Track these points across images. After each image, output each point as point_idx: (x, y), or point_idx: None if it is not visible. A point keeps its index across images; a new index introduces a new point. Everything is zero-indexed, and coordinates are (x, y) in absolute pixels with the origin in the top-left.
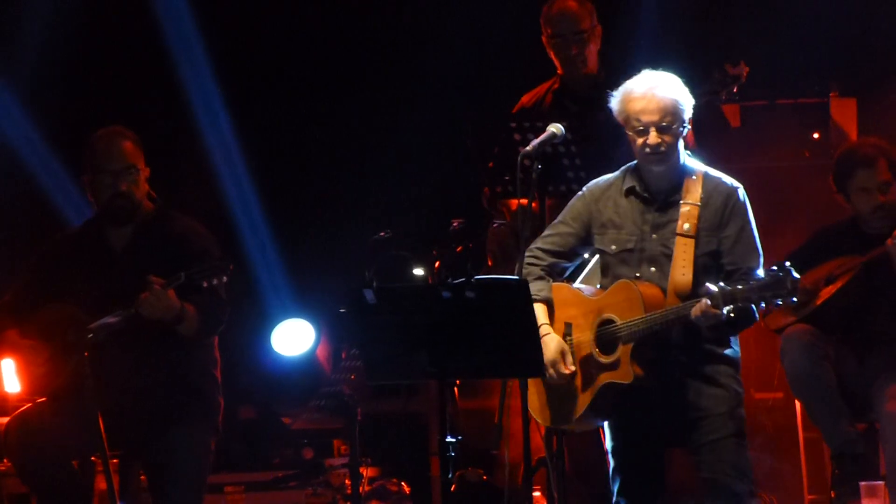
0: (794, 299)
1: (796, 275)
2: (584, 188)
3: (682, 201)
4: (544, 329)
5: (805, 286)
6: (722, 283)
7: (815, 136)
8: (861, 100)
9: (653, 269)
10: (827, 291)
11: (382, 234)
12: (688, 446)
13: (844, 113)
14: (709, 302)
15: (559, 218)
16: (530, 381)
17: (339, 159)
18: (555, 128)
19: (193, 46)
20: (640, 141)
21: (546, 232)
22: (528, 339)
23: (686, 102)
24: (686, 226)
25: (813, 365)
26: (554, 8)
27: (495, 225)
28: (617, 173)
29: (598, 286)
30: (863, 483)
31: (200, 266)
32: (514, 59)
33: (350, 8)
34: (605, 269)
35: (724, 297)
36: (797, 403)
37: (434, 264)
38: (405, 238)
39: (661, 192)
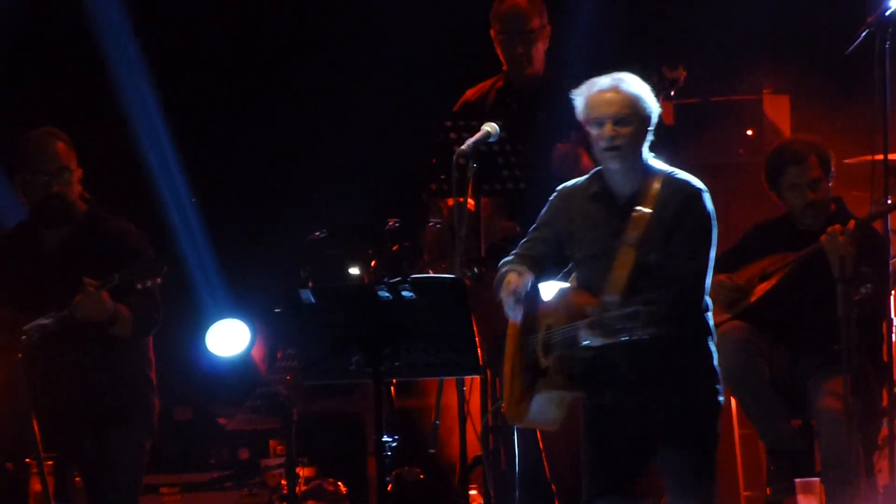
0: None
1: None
2: (556, 191)
3: (636, 207)
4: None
5: (739, 283)
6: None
7: (749, 133)
8: (794, 97)
9: None
10: (761, 288)
11: (318, 233)
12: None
13: (778, 110)
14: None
15: (535, 223)
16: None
17: (274, 158)
18: (490, 127)
19: (126, 44)
20: (597, 134)
21: (524, 239)
22: (463, 339)
23: (650, 104)
24: (633, 234)
25: (747, 362)
26: (504, 4)
27: (431, 223)
28: (587, 175)
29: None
30: (798, 480)
31: (134, 267)
32: (452, 57)
33: (287, 6)
34: (577, 275)
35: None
36: (732, 400)
37: (370, 263)
38: (341, 237)
39: (622, 196)
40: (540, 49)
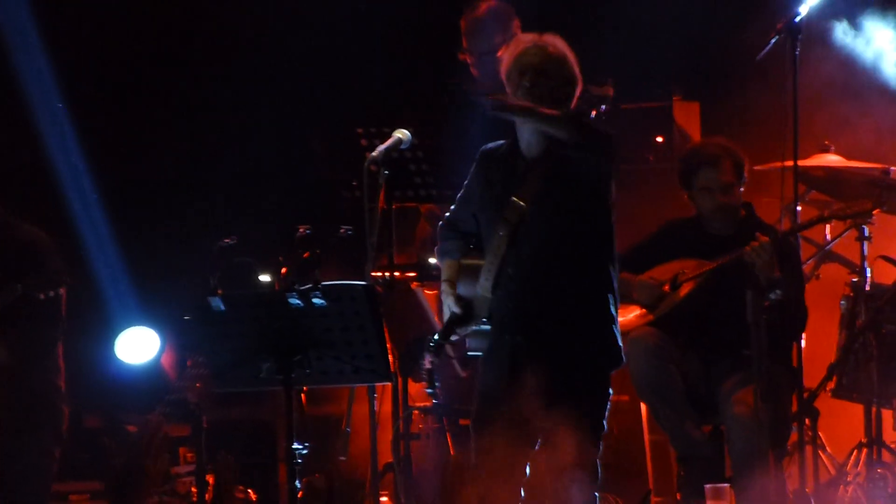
0: None
1: None
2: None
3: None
4: (443, 285)
5: (663, 280)
6: None
7: (659, 139)
8: (704, 103)
9: None
10: (685, 290)
11: (227, 240)
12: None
13: (688, 116)
14: None
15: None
16: None
17: (184, 165)
18: (401, 133)
19: (33, 49)
20: (516, 84)
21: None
22: (374, 346)
23: (574, 72)
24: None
25: (658, 368)
26: (468, 19)
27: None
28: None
29: None
30: (708, 485)
31: (37, 278)
32: (359, 63)
33: (196, 12)
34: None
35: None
36: (643, 406)
37: (280, 270)
38: (251, 244)
39: (527, 157)
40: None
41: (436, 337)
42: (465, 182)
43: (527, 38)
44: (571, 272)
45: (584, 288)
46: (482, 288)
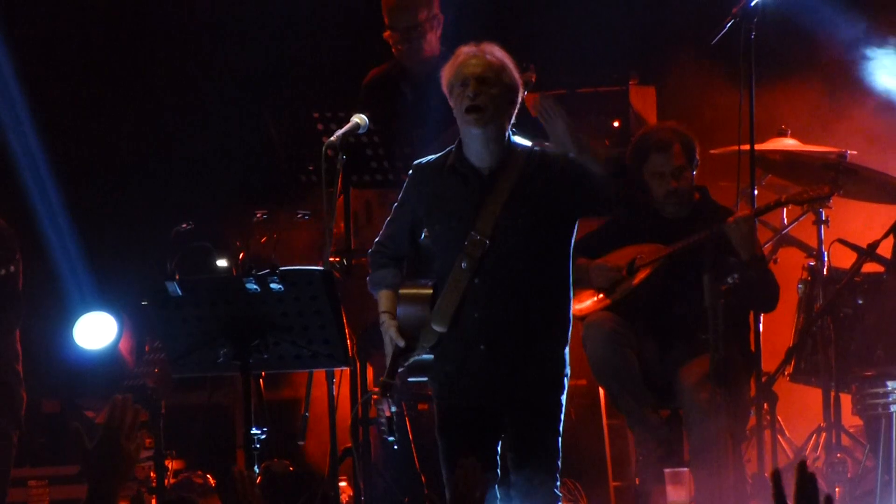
0: None
1: None
2: (410, 168)
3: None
4: (382, 317)
5: (620, 265)
6: None
7: (616, 124)
8: (660, 88)
9: None
10: (643, 273)
11: (185, 225)
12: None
13: (644, 101)
14: None
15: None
16: None
17: (141, 148)
18: (358, 118)
19: None
20: (459, 94)
21: (389, 218)
22: (332, 330)
23: (515, 76)
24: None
25: (616, 352)
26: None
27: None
28: (444, 151)
29: None
30: (667, 469)
31: None
32: (315, 47)
33: None
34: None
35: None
36: (601, 390)
37: (238, 255)
38: (208, 229)
39: (482, 169)
40: (431, 38)
41: (382, 379)
42: (395, 205)
43: (465, 50)
44: (536, 294)
45: (546, 314)
46: (437, 321)
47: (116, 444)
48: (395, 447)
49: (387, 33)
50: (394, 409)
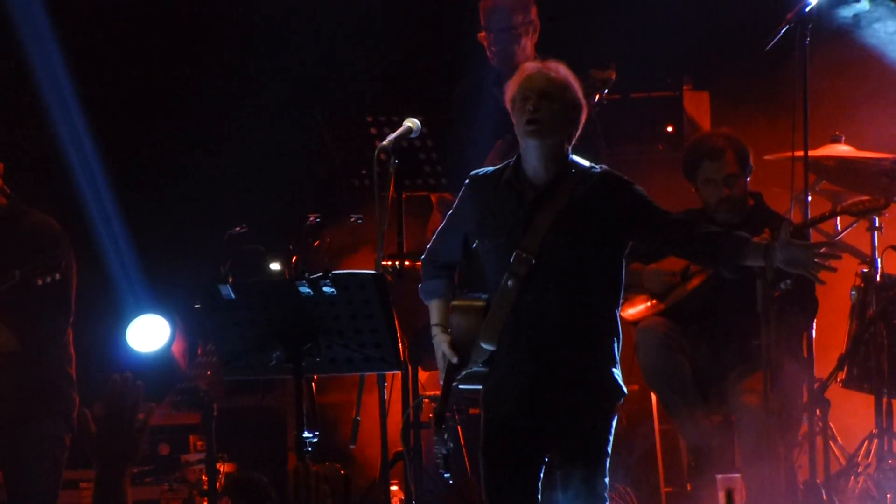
0: None
1: None
2: (468, 178)
3: (549, 198)
4: (434, 330)
5: (674, 269)
6: None
7: (669, 129)
8: (714, 93)
9: None
10: (691, 285)
11: (238, 228)
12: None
13: (698, 106)
14: None
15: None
16: None
17: (195, 152)
18: (411, 122)
19: (46, 40)
20: (519, 108)
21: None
22: (384, 334)
23: (578, 96)
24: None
25: (668, 358)
26: (488, 1)
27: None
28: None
29: None
30: (719, 476)
31: (34, 264)
32: (369, 51)
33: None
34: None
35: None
36: (653, 396)
37: (291, 259)
38: (261, 232)
39: (536, 186)
40: (525, 44)
41: (436, 409)
42: (449, 213)
43: (530, 66)
44: (583, 317)
45: (593, 333)
46: (485, 338)
47: (119, 424)
48: (451, 482)
49: (482, 34)
50: (451, 444)
